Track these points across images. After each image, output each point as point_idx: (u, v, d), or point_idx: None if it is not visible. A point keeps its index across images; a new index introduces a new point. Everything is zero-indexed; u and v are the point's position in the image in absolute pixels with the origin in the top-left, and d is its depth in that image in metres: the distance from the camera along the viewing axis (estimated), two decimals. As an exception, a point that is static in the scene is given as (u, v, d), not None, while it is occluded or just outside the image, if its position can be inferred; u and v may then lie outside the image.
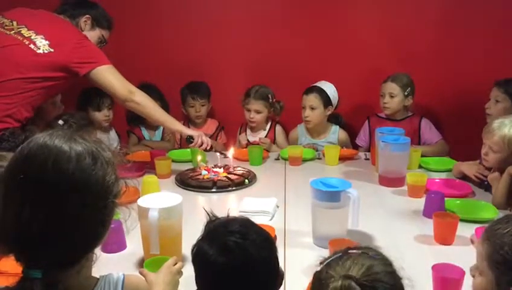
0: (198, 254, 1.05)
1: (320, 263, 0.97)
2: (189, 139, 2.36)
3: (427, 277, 1.37)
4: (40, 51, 2.10)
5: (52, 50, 2.11)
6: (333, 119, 2.97)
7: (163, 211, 1.46)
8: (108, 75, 2.19)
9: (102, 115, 2.79)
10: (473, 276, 1.08)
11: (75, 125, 2.11)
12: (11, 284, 0.87)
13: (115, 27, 2.51)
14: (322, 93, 2.81)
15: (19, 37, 2.12)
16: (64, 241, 0.86)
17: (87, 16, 2.34)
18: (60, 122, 2.10)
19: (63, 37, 2.17)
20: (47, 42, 2.12)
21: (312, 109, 2.81)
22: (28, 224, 0.84)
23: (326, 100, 2.81)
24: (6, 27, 2.15)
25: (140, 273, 1.20)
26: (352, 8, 3.06)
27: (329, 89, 2.84)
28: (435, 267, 1.35)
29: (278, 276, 1.06)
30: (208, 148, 2.39)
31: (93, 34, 2.35)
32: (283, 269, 1.12)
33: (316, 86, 2.85)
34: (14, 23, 2.16)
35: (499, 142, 1.97)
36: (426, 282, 1.36)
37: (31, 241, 0.85)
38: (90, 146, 0.90)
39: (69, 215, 0.86)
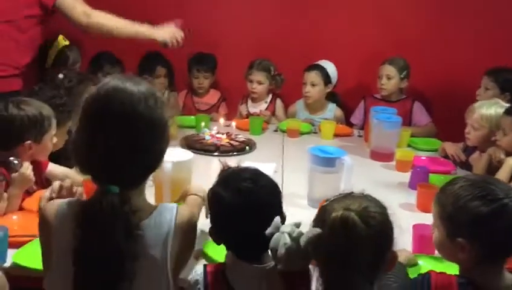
0: (215, 197, 1.21)
1: (326, 200, 1.13)
2: (164, 44, 2.41)
3: (408, 236, 1.56)
4: None
5: None
6: (331, 97, 3.12)
7: (176, 165, 1.62)
8: (70, 2, 2.23)
9: None
10: (433, 232, 1.25)
11: (75, 78, 2.14)
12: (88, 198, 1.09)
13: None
14: (323, 71, 2.96)
15: None
16: (136, 164, 1.07)
17: None
18: (60, 76, 2.13)
19: None
20: None
21: (313, 85, 2.96)
22: (112, 150, 1.05)
23: (326, 78, 2.96)
24: None
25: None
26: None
27: (330, 67, 2.99)
28: (415, 227, 1.53)
29: (282, 219, 1.23)
30: (182, 43, 2.41)
31: None
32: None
33: (317, 64, 3.00)
34: None
35: (478, 120, 2.16)
36: (407, 240, 1.55)
37: (113, 163, 1.06)
38: (149, 87, 1.10)
39: (141, 143, 1.06)
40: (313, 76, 2.96)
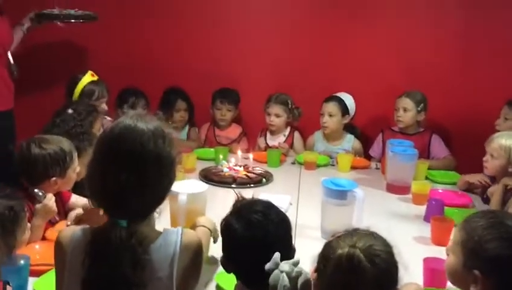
0: (226, 227, 1.26)
1: (332, 236, 1.16)
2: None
3: (420, 270, 1.56)
4: None
5: None
6: (349, 129, 3.16)
7: (191, 196, 1.67)
8: None
9: None
10: (447, 255, 1.26)
11: (85, 112, 2.25)
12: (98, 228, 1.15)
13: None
14: (341, 102, 3.03)
15: None
16: (145, 198, 1.14)
17: None
18: (70, 111, 2.22)
19: None
20: None
21: (330, 115, 3.02)
22: (122, 186, 1.11)
23: (344, 109, 3.03)
24: None
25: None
26: (373, 26, 3.23)
27: (348, 99, 3.06)
28: (426, 260, 1.53)
29: (290, 251, 1.26)
30: None
31: None
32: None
33: (335, 95, 3.07)
34: None
35: (497, 149, 2.16)
36: (419, 274, 1.55)
37: (122, 198, 1.12)
38: (159, 126, 1.18)
39: (149, 179, 1.14)
40: (330, 107, 3.03)
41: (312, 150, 3.10)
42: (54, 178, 1.80)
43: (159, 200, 1.20)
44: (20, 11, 2.85)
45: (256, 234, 1.21)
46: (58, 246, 1.21)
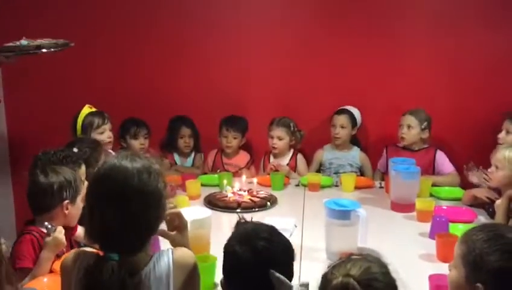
0: (229, 251, 1.27)
1: (328, 267, 1.17)
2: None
3: (426, 288, 1.56)
4: None
5: None
6: (353, 140, 3.26)
7: (195, 222, 1.69)
8: None
9: (138, 143, 3.06)
10: (450, 270, 1.27)
11: (89, 149, 2.31)
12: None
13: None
14: (351, 114, 3.20)
15: None
16: (134, 233, 1.18)
17: None
18: (75, 149, 2.27)
19: None
20: None
21: (342, 127, 3.16)
22: (110, 223, 1.16)
23: (353, 121, 3.19)
24: None
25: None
26: (376, 45, 3.28)
27: (355, 112, 3.24)
28: (431, 277, 1.53)
29: (291, 275, 1.28)
30: None
31: None
32: (299, 280, 1.34)
33: (344, 108, 3.22)
34: None
35: (501, 160, 2.19)
36: (424, 291, 1.55)
37: (111, 234, 1.17)
38: (145, 162, 1.22)
39: (137, 214, 1.17)
40: (342, 119, 3.18)
41: (321, 159, 3.23)
42: (66, 201, 1.84)
43: (149, 233, 1.23)
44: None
45: (262, 259, 1.23)
46: (64, 269, 1.25)
